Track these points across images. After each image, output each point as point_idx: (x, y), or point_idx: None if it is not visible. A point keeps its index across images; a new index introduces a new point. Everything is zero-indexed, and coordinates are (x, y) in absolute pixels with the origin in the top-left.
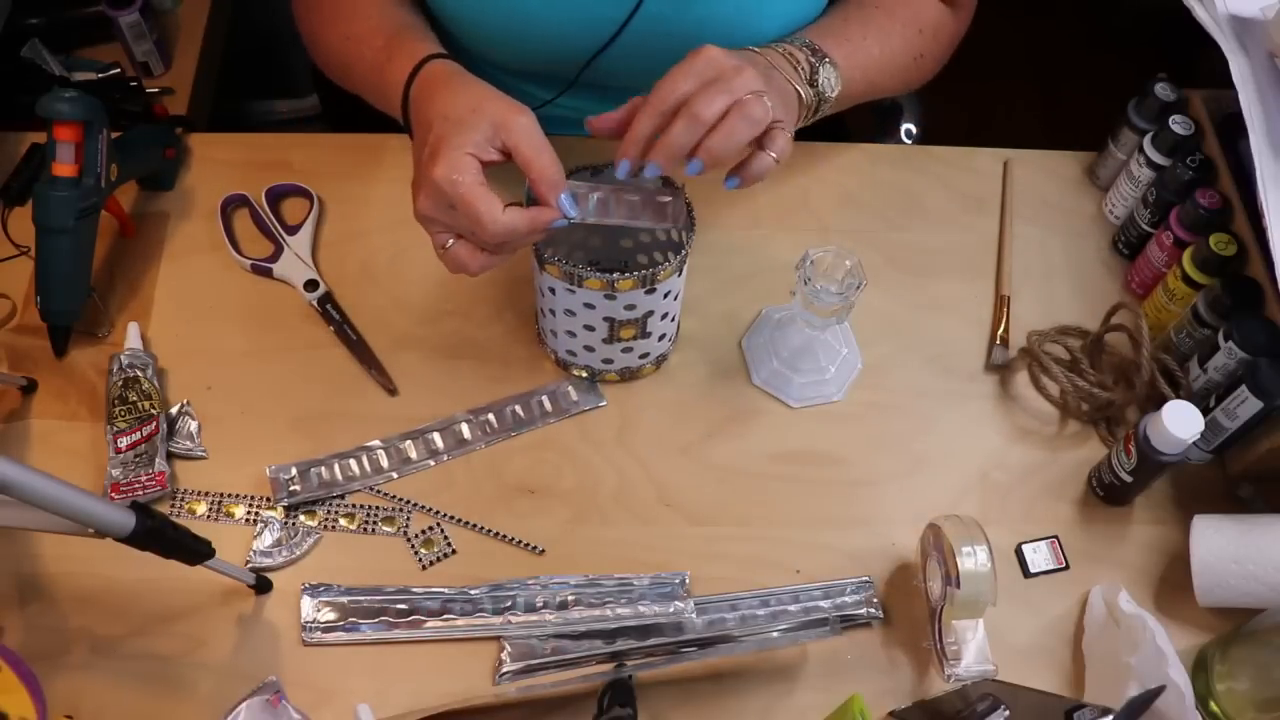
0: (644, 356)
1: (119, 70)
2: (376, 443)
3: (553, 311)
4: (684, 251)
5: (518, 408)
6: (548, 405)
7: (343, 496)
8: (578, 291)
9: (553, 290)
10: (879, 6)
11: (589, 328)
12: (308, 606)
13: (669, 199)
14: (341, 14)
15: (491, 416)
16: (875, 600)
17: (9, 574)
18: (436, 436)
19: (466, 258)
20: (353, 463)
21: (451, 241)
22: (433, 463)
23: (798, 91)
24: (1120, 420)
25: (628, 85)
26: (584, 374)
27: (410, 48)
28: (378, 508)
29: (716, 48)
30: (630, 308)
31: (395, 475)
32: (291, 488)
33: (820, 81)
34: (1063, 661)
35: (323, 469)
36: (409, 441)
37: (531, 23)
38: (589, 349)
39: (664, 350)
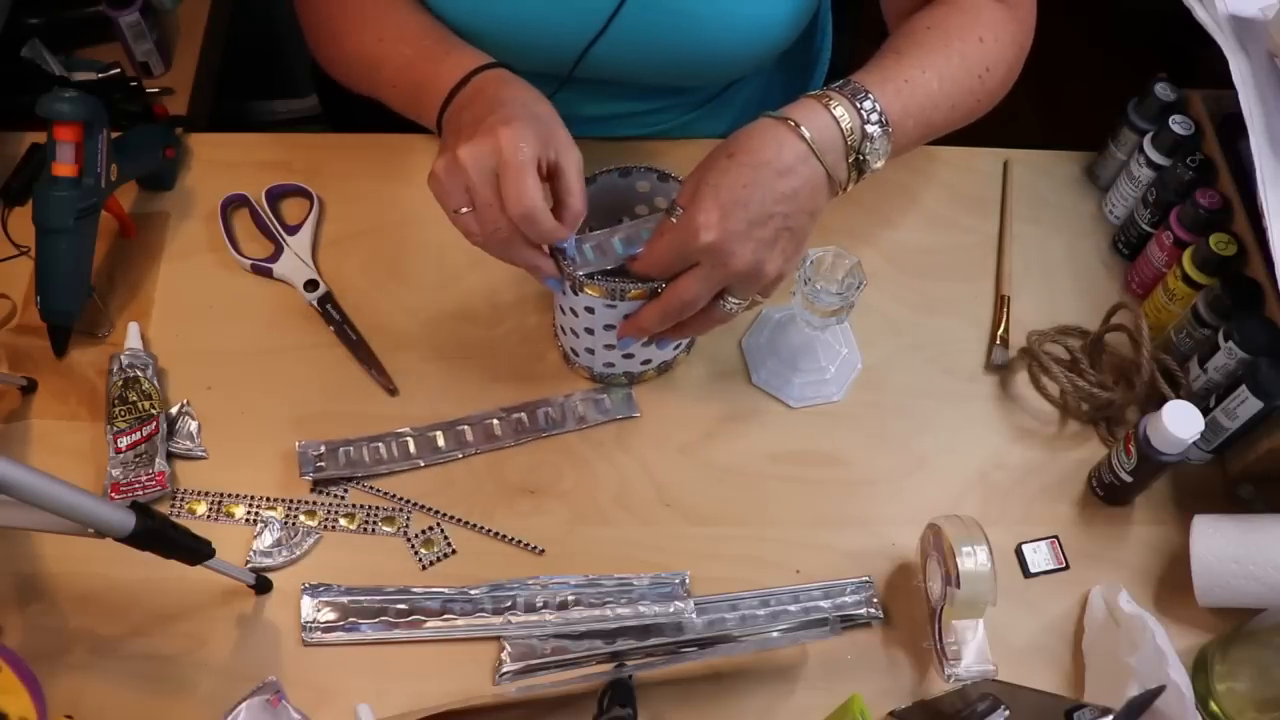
0: (677, 346)
1: (119, 70)
2: (406, 430)
3: (590, 330)
4: None
5: (550, 410)
6: (581, 410)
7: (355, 483)
8: (619, 305)
9: (591, 310)
10: (931, 27)
11: None
12: (308, 606)
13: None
14: (369, 19)
15: (524, 416)
16: (875, 600)
17: (9, 574)
18: (467, 429)
19: (474, 227)
20: (381, 447)
21: (466, 210)
22: (460, 454)
23: (829, 179)
24: (1120, 420)
25: (622, 78)
26: (623, 380)
27: (471, 52)
28: (378, 508)
29: (711, 237)
30: None
31: (421, 463)
32: (319, 464)
33: (866, 154)
34: (1063, 661)
35: (350, 449)
36: (438, 431)
37: (522, 17)
38: (628, 356)
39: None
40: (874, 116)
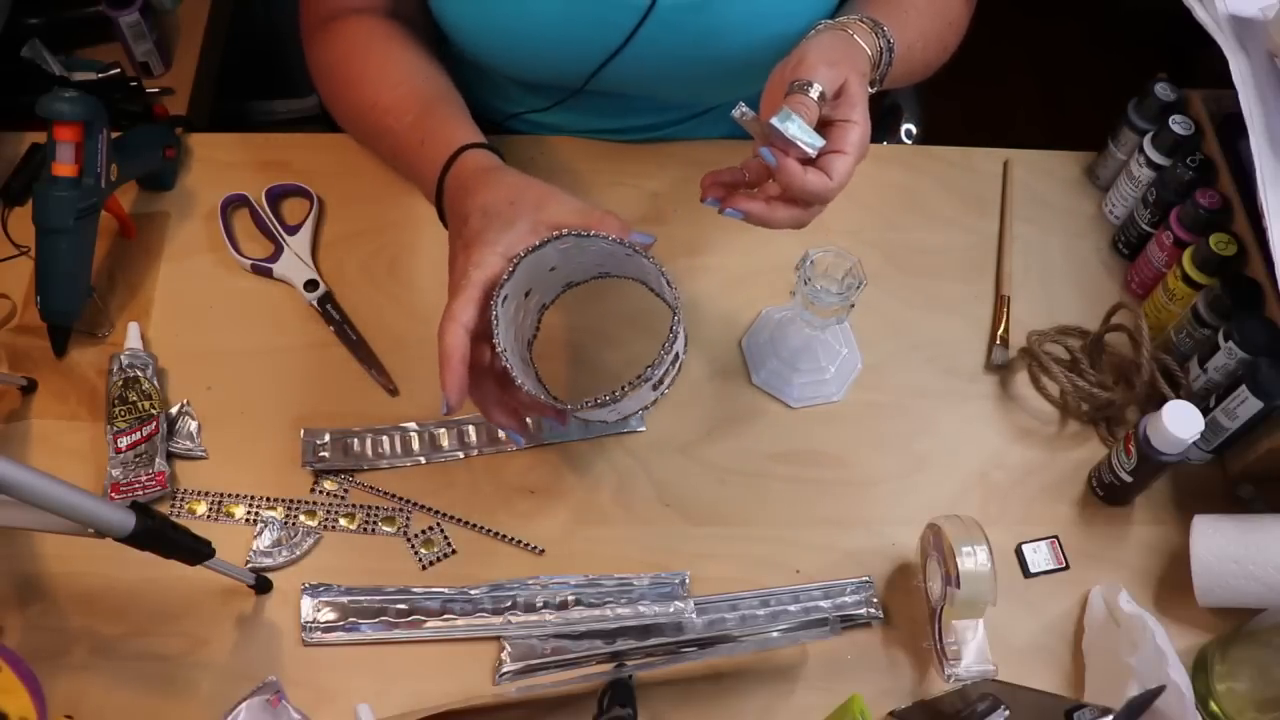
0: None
1: (119, 70)
2: (412, 425)
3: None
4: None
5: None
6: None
7: (355, 478)
8: (624, 400)
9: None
10: None
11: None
12: (308, 606)
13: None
14: (367, 81)
15: (529, 420)
16: (875, 600)
17: (9, 574)
18: (470, 429)
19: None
20: (385, 440)
21: None
22: (461, 454)
23: (872, 61)
24: (1120, 420)
25: (634, 93)
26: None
27: (443, 133)
28: (378, 508)
29: (860, 89)
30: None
31: (424, 460)
32: (321, 454)
33: (879, 75)
34: (1063, 661)
35: (355, 440)
36: (443, 430)
37: (538, 31)
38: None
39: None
40: (885, 68)
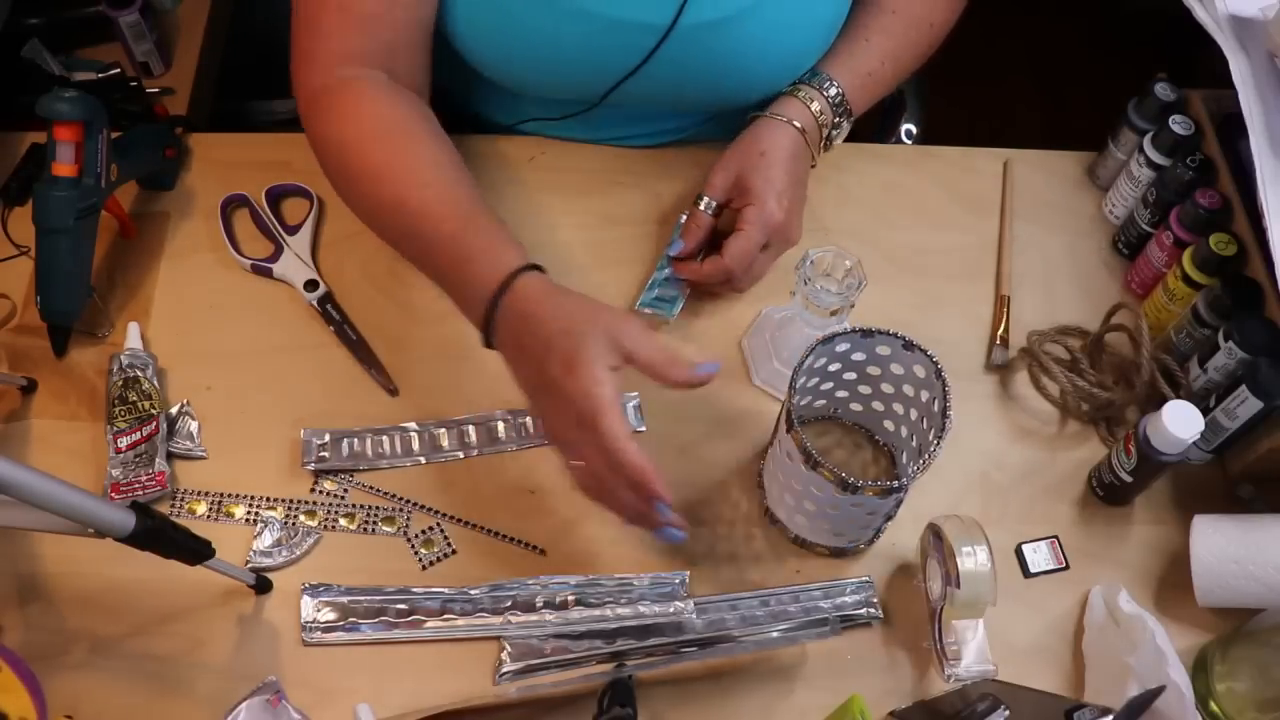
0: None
1: (119, 70)
2: (412, 425)
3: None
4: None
5: None
6: None
7: (355, 478)
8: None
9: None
10: (895, 11)
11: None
12: (308, 606)
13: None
14: (391, 177)
15: (529, 422)
16: (875, 600)
17: (9, 574)
18: (470, 429)
19: (589, 481)
20: (385, 440)
21: (578, 462)
22: (461, 455)
23: (812, 157)
24: (1120, 420)
25: (648, 105)
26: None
27: (490, 253)
28: (378, 508)
29: (755, 180)
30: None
31: (423, 460)
32: (321, 453)
33: (833, 140)
34: (1063, 661)
35: (355, 440)
36: (443, 430)
37: (560, 55)
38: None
39: None
40: (839, 106)
